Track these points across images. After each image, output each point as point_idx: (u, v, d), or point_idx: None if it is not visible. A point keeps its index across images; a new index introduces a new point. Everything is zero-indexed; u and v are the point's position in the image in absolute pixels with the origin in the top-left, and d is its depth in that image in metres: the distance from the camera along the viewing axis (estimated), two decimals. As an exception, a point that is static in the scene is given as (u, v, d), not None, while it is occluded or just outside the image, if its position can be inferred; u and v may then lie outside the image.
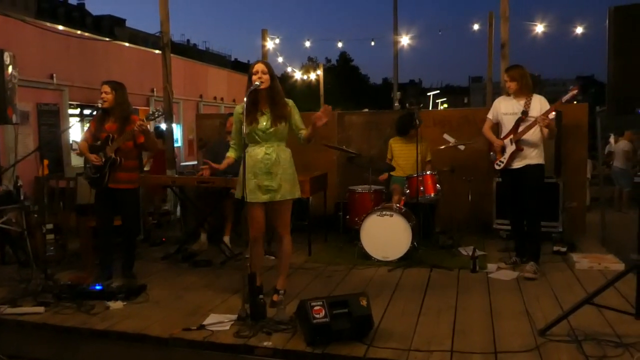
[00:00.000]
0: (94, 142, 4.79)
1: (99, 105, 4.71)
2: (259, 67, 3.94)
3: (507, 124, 4.98)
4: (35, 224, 5.30)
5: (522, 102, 4.91)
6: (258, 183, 3.93)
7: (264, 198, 3.95)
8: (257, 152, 3.95)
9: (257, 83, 3.86)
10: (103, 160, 4.68)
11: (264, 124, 3.93)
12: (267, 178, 3.93)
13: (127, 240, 4.93)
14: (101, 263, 4.88)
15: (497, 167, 5.10)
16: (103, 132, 4.74)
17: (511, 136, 4.93)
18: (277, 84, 3.99)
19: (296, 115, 4.07)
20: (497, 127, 5.18)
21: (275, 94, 3.96)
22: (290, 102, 4.07)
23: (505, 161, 4.97)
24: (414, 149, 5.69)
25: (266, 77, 3.90)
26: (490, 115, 5.19)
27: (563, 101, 4.76)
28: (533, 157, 4.90)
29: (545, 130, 4.77)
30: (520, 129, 4.87)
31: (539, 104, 4.85)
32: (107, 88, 4.73)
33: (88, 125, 5.04)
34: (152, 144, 4.98)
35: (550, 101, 4.88)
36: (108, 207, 4.83)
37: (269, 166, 3.92)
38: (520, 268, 4.98)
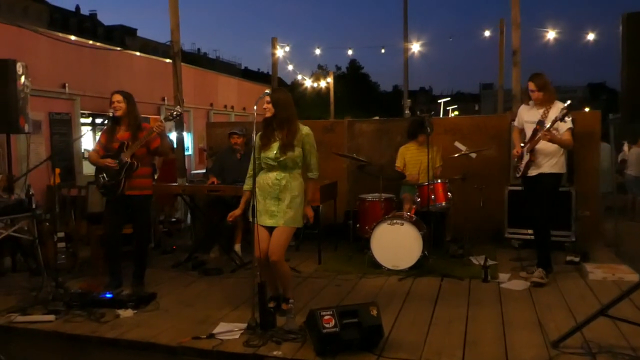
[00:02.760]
0: (105, 153, 4.81)
1: (111, 114, 4.74)
2: (265, 98, 3.96)
3: (528, 132, 4.99)
4: (47, 233, 5.33)
5: (542, 110, 4.88)
6: (266, 207, 3.97)
7: (269, 222, 3.98)
8: (269, 177, 3.99)
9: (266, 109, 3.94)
10: (118, 165, 4.70)
11: (274, 152, 3.96)
12: (274, 203, 3.97)
13: (139, 248, 4.95)
14: (110, 272, 4.90)
15: (517, 175, 5.15)
16: (115, 142, 4.77)
17: (528, 145, 4.94)
18: (281, 112, 3.95)
19: (307, 145, 4.02)
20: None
21: (282, 122, 3.95)
22: (304, 129, 4.03)
23: (522, 170, 5.00)
24: (425, 156, 5.66)
25: (269, 106, 3.94)
26: (516, 123, 5.24)
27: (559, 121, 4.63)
28: (546, 166, 4.87)
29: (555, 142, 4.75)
30: (536, 138, 4.84)
31: (554, 114, 4.74)
32: (119, 97, 4.77)
33: (97, 137, 5.08)
34: (166, 147, 5.02)
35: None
36: (119, 215, 4.85)
37: (277, 192, 3.96)
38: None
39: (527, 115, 5.02)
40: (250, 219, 3.91)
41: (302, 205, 4.07)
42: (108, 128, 4.91)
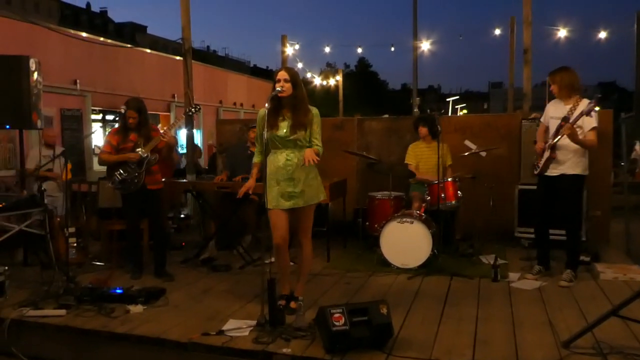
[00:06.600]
0: (117, 154, 5.00)
1: (130, 126, 4.96)
2: (281, 75, 3.92)
3: (552, 129, 4.81)
4: (58, 227, 5.37)
5: (569, 106, 4.71)
6: (281, 190, 3.93)
7: (287, 205, 3.94)
8: (278, 159, 3.94)
9: (278, 89, 3.86)
10: (139, 159, 4.90)
11: (284, 130, 3.91)
12: (290, 184, 3.92)
13: (159, 239, 5.19)
14: (133, 262, 5.19)
15: (534, 172, 4.96)
16: (129, 143, 4.97)
17: (550, 141, 4.77)
18: (300, 92, 3.93)
19: (314, 126, 3.98)
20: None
21: (298, 102, 3.92)
22: (314, 110, 4.01)
23: (540, 167, 4.84)
24: (435, 153, 5.63)
25: (288, 85, 3.87)
26: (542, 119, 5.05)
27: (585, 115, 4.53)
28: (568, 166, 4.70)
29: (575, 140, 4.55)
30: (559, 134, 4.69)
31: (580, 110, 4.60)
32: (134, 113, 4.94)
33: (106, 138, 5.25)
34: (170, 154, 5.33)
35: None
36: (138, 209, 5.10)
37: (290, 172, 3.91)
38: (545, 278, 4.91)
39: (553, 111, 4.84)
40: (266, 206, 3.93)
41: (318, 178, 4.03)
42: (119, 130, 5.07)
